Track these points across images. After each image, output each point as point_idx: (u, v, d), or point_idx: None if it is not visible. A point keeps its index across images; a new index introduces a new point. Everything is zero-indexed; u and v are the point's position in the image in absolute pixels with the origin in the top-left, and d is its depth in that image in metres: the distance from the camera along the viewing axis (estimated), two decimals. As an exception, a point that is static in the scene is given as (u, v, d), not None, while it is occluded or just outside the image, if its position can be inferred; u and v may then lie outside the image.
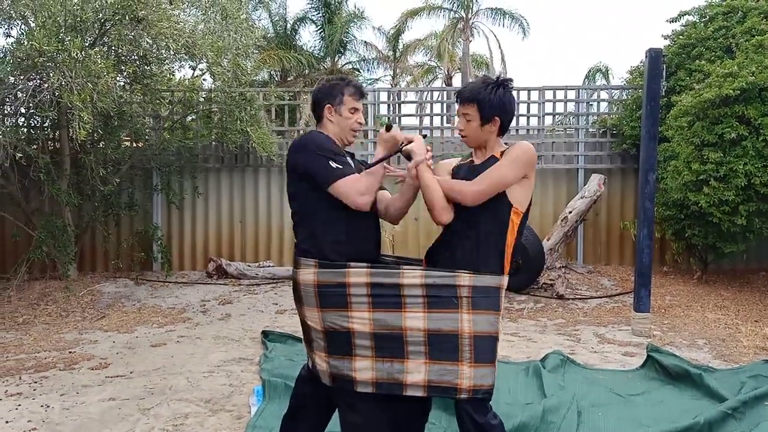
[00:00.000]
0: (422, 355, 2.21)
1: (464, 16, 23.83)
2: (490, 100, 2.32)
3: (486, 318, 2.24)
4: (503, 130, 2.40)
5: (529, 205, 2.39)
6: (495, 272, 2.29)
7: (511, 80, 2.37)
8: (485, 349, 2.22)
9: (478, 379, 2.20)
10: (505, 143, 2.44)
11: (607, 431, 3.22)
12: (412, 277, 2.23)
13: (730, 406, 3.33)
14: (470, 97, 2.35)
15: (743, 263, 7.69)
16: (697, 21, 7.75)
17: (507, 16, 23.33)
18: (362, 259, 2.35)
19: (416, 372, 2.22)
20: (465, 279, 2.22)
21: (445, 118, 8.74)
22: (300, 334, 2.58)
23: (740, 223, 6.00)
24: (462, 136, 2.45)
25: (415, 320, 2.21)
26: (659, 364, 4.08)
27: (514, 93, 7.88)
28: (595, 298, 6.64)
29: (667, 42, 7.99)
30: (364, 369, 2.26)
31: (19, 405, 3.66)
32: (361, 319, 2.24)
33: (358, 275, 2.25)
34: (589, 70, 26.52)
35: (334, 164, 2.29)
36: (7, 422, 3.38)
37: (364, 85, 17.03)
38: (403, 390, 2.24)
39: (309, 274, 2.32)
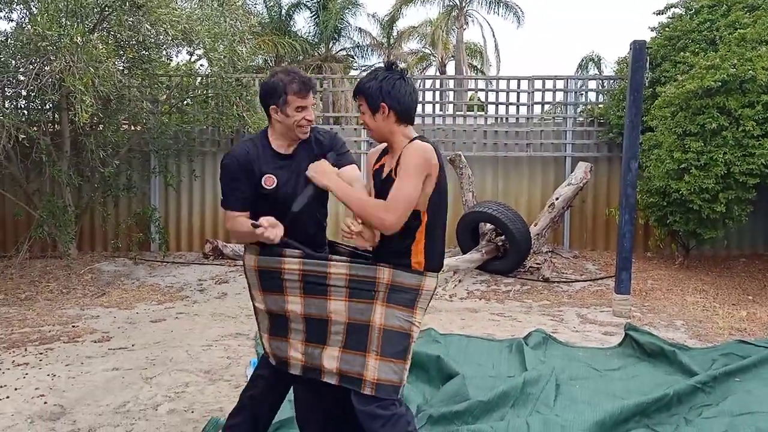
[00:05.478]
0: (339, 343, 2.29)
1: (458, 4, 23.87)
2: (371, 87, 2.29)
3: (398, 314, 2.26)
4: (402, 118, 2.32)
5: (440, 200, 2.31)
6: (408, 268, 2.29)
7: (396, 65, 2.35)
8: (394, 343, 2.24)
9: (384, 374, 2.21)
10: (420, 138, 2.36)
11: (582, 402, 3.35)
12: (339, 267, 2.33)
13: (699, 380, 3.46)
14: (357, 89, 2.33)
15: (724, 249, 7.92)
16: (683, 14, 7.92)
17: (501, 4, 23.42)
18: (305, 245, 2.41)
19: (330, 358, 2.29)
20: (385, 273, 2.28)
21: (438, 105, 8.88)
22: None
23: (720, 211, 6.20)
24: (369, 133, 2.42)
25: (338, 306, 2.31)
26: (636, 342, 4.24)
27: (504, 82, 7.96)
28: (580, 281, 6.86)
29: (654, 34, 8.16)
30: (295, 351, 2.38)
31: (27, 374, 3.84)
32: (294, 304, 2.36)
33: (291, 263, 2.36)
34: (582, 60, 26.64)
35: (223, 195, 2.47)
36: (15, 389, 3.56)
37: (357, 73, 16.82)
38: (321, 376, 2.31)
39: (251, 258, 2.47)
